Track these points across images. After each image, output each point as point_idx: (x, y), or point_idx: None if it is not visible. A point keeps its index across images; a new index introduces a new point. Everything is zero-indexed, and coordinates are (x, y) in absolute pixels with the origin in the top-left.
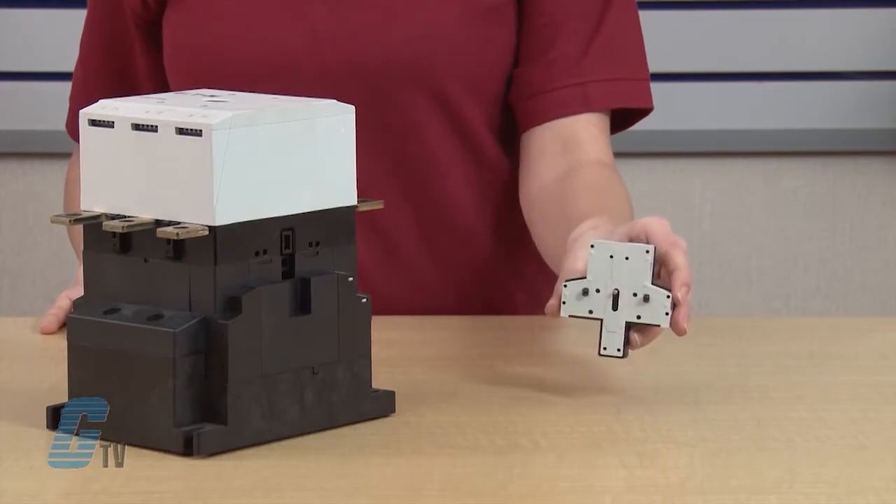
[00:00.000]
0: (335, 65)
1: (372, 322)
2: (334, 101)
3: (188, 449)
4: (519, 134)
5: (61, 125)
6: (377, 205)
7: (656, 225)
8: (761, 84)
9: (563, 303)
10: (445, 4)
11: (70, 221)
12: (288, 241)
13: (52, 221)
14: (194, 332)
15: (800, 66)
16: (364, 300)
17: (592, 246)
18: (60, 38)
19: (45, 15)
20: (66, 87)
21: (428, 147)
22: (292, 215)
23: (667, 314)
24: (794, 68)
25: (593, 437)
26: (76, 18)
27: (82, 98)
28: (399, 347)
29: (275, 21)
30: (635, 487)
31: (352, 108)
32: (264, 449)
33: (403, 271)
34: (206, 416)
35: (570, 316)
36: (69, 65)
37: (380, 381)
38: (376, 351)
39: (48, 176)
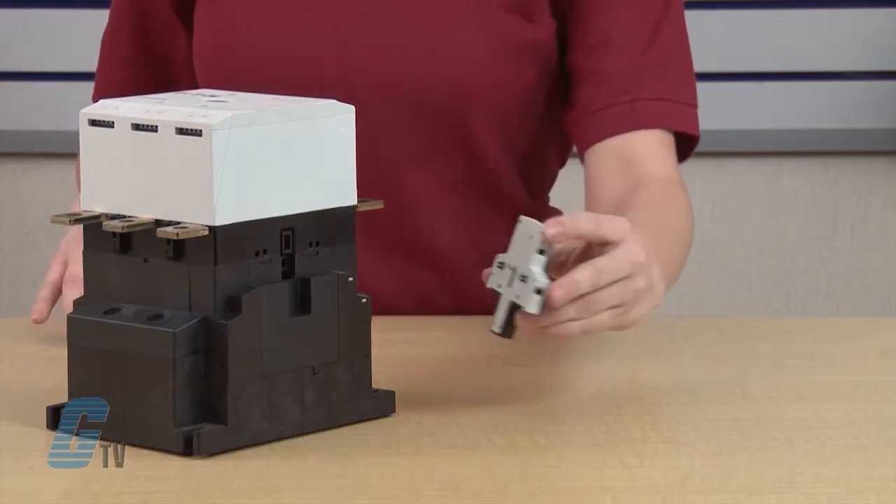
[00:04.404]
0: (359, 82)
1: (372, 322)
2: (334, 101)
3: (188, 449)
4: (580, 157)
5: (61, 125)
6: (377, 205)
7: (614, 223)
8: (761, 84)
9: (492, 274)
10: (482, 35)
11: (70, 221)
12: (288, 241)
13: (52, 221)
14: (194, 332)
15: (800, 66)
16: (364, 300)
17: (520, 221)
18: (61, 38)
19: (46, 15)
20: (67, 88)
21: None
22: (292, 215)
23: (538, 293)
24: (794, 68)
25: (593, 437)
26: (77, 18)
27: (106, 81)
28: (399, 347)
29: (304, 30)
30: (635, 487)
31: (352, 108)
32: (264, 449)
33: (404, 271)
34: (206, 416)
35: (489, 287)
36: (70, 65)
37: (380, 381)
38: (376, 351)
39: (48, 176)
